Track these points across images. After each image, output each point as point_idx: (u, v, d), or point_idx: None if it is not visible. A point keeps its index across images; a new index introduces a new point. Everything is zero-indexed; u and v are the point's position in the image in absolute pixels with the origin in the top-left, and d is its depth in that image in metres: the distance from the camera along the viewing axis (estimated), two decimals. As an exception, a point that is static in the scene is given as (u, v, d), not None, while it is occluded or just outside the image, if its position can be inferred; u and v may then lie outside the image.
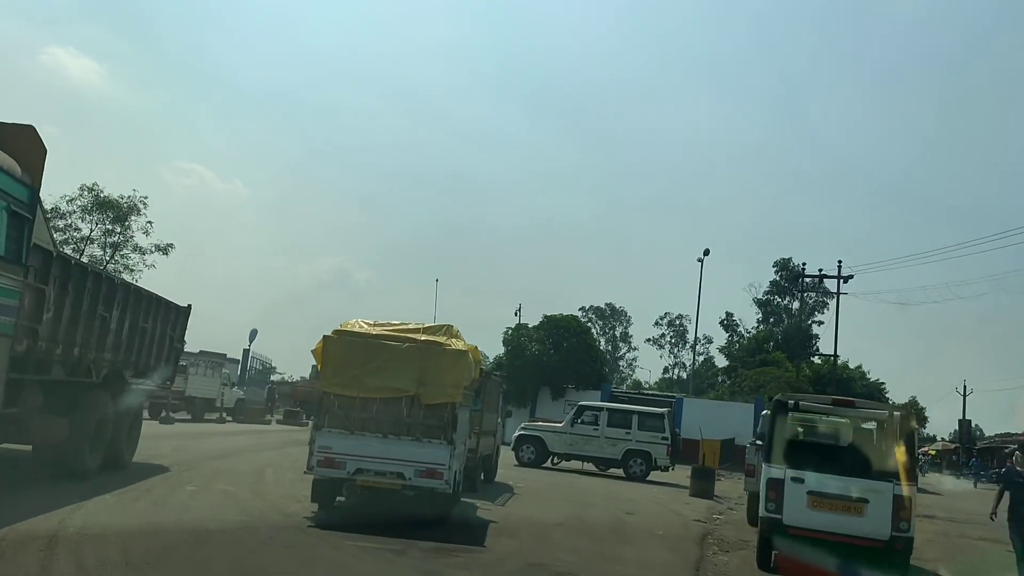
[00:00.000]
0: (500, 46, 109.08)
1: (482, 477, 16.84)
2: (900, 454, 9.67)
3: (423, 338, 10.92)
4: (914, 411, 11.34)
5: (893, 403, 34.83)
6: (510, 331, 39.83)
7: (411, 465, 10.44)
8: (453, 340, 11.08)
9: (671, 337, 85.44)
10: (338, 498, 11.16)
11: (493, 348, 45.39)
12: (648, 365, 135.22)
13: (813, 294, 60.39)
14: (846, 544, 9.42)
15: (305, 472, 10.53)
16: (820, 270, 44.41)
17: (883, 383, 50.24)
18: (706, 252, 40.09)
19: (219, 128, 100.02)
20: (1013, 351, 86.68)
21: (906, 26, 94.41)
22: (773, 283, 67.60)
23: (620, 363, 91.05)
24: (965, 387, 58.99)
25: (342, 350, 10.70)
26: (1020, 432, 61.96)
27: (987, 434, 70.55)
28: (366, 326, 11.20)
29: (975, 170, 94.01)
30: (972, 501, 26.68)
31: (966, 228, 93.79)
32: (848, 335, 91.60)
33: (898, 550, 9.28)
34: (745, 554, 11.37)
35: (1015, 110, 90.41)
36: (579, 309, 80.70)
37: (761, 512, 9.87)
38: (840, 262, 42.62)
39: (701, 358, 79.34)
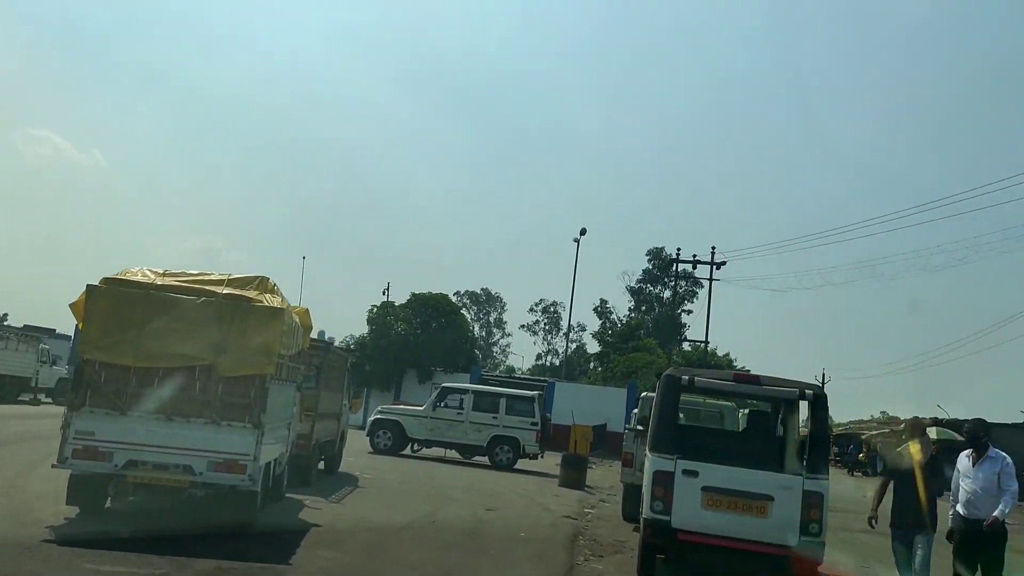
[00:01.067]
0: (385, 23, 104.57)
1: (321, 467, 14.48)
2: (812, 441, 8.02)
3: (225, 291, 8.44)
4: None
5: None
6: (375, 309, 37.18)
7: (203, 456, 8.02)
8: (267, 296, 8.65)
9: (545, 324, 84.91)
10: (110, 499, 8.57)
11: (362, 329, 42.60)
12: (522, 351, 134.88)
13: (684, 283, 61.35)
14: (745, 553, 7.70)
15: (54, 465, 7.88)
16: (694, 255, 44.46)
17: (749, 371, 50.70)
18: (583, 232, 38.78)
19: (78, 97, 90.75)
20: (874, 338, 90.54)
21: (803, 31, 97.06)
22: (646, 272, 68.18)
23: (494, 349, 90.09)
24: (824, 375, 60.74)
25: (113, 305, 8.10)
26: (870, 419, 64.67)
27: (837, 421, 73.30)
28: (151, 275, 8.62)
29: (840, 160, 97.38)
30: (840, 487, 26.33)
31: (837, 215, 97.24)
32: (718, 322, 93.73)
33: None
34: (621, 559, 9.56)
35: (887, 102, 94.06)
36: (454, 294, 78.91)
37: (645, 512, 8.01)
38: (713, 248, 42.75)
39: (574, 345, 79.41)
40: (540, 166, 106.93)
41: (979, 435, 7.48)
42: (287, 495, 11.20)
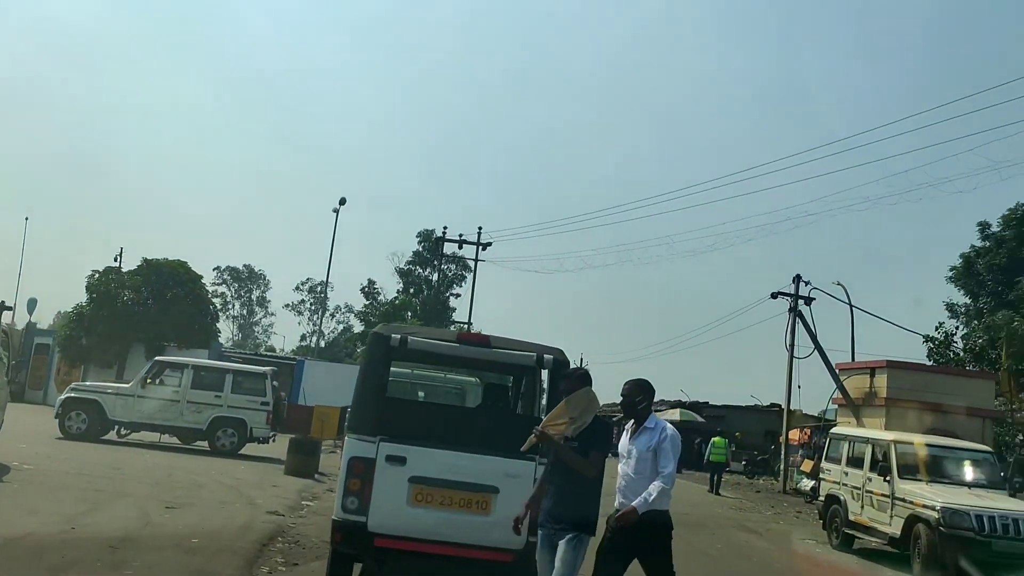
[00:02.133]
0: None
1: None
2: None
3: None
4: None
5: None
6: (96, 275, 32.16)
7: None
8: None
9: (311, 304, 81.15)
10: None
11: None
12: (286, 332, 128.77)
13: (454, 266, 60.82)
14: (463, 560, 6.02)
15: None
16: (460, 235, 43.80)
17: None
18: (342, 202, 36.36)
19: None
20: (631, 322, 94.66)
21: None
22: (416, 253, 66.91)
23: (256, 329, 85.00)
24: (582, 359, 62.45)
25: None
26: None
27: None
28: None
29: (602, 145, 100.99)
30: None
31: (599, 198, 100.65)
32: (485, 305, 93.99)
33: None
34: (319, 568, 7.59)
35: (651, 92, 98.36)
36: (213, 269, 73.05)
37: (335, 511, 6.11)
38: (480, 228, 42.39)
39: (341, 326, 76.59)
40: (315, 146, 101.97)
41: (634, 400, 5.50)
42: None
